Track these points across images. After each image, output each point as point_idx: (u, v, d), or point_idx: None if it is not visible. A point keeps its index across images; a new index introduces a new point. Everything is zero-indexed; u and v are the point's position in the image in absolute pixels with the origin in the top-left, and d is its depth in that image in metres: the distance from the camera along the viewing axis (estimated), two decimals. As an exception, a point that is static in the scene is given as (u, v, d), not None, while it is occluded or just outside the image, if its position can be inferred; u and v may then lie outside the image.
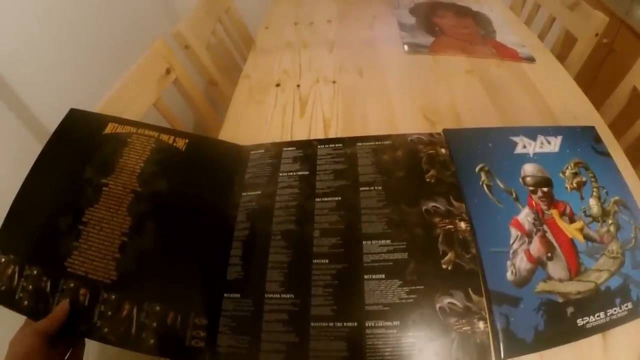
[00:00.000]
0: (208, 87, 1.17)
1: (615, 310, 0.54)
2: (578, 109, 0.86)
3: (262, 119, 0.88)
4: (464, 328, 0.50)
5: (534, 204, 0.64)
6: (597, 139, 0.77)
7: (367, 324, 0.51)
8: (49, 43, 0.94)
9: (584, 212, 0.64)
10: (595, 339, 0.52)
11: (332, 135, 0.81)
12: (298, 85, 0.97)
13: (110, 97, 0.77)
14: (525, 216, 0.62)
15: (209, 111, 1.08)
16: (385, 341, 0.50)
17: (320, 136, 0.81)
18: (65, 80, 0.97)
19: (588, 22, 1.06)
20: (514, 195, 0.64)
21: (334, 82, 0.96)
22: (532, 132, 0.75)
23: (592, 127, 0.79)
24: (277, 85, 0.98)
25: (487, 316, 0.52)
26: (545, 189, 0.66)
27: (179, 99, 1.03)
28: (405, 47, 1.06)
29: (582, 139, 0.76)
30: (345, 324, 0.52)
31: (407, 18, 1.20)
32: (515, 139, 0.74)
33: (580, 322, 0.52)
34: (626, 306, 0.54)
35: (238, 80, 1.04)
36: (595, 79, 1.37)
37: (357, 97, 0.91)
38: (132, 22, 1.27)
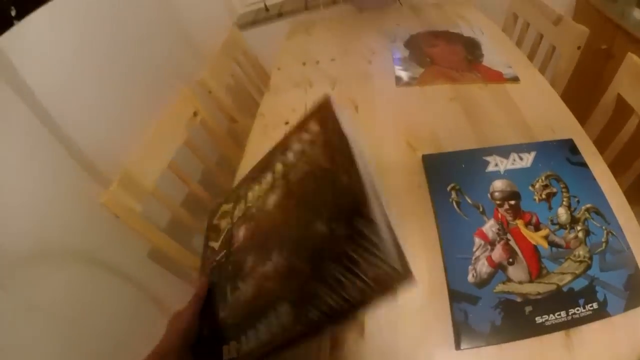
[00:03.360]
0: (229, 125, 1.33)
1: (578, 310, 0.58)
2: (558, 122, 0.91)
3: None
4: None
5: (500, 216, 0.70)
6: (574, 151, 0.82)
7: None
8: (89, 80, 1.10)
9: (551, 220, 0.70)
10: (557, 335, 0.57)
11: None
12: (304, 123, 1.08)
13: (148, 139, 0.94)
14: (489, 227, 0.69)
15: (231, 146, 1.23)
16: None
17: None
18: (104, 113, 1.12)
19: (570, 36, 1.12)
20: (481, 209, 0.71)
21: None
22: (505, 151, 0.82)
23: (570, 140, 0.85)
24: (286, 123, 1.10)
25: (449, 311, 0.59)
26: (512, 202, 0.72)
27: (206, 137, 1.18)
28: (396, 81, 1.15)
29: (557, 152, 0.82)
30: None
31: (402, 51, 1.30)
32: (488, 158, 0.81)
33: (539, 319, 0.57)
34: (591, 306, 0.59)
35: (255, 116, 1.17)
36: (596, 86, 1.39)
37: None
38: (162, 60, 1.46)
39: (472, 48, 1.23)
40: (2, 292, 0.74)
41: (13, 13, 0.96)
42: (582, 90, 1.03)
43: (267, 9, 1.88)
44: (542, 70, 1.22)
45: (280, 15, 1.84)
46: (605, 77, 1.44)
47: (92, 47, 1.17)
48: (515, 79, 1.07)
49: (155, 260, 1.13)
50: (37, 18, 1.00)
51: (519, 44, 1.37)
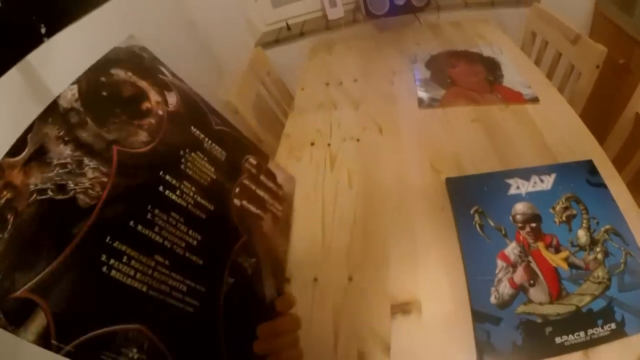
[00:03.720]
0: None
1: (596, 330, 0.61)
2: (577, 143, 0.94)
3: (301, 173, 1.05)
4: None
5: (521, 239, 0.74)
6: (593, 171, 0.86)
7: None
8: None
9: (571, 242, 0.73)
10: (576, 355, 0.60)
11: (354, 186, 0.96)
12: (329, 144, 1.14)
13: None
14: (511, 249, 0.73)
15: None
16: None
17: (345, 187, 0.97)
18: None
19: (589, 55, 1.15)
20: (503, 232, 0.76)
21: (358, 140, 1.12)
22: (526, 173, 0.86)
23: (589, 161, 0.88)
24: (312, 144, 1.16)
25: (472, 331, 0.63)
26: (533, 225, 0.76)
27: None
28: (418, 102, 1.20)
29: (577, 174, 0.86)
30: None
31: (423, 72, 1.35)
32: (510, 181, 0.85)
33: (558, 339, 0.61)
34: (609, 326, 0.62)
35: (281, 136, 1.23)
36: (615, 100, 1.41)
37: (376, 152, 1.06)
38: (187, 79, 1.54)
39: (492, 68, 1.27)
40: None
41: (43, 30, 1.01)
42: (600, 105, 1.05)
43: (289, 28, 1.95)
44: (561, 88, 1.25)
45: (302, 34, 1.91)
46: (623, 92, 1.45)
47: None
48: (535, 100, 1.11)
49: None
50: (66, 35, 1.06)
51: (537, 62, 1.40)
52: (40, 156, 0.32)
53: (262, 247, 0.45)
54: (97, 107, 0.37)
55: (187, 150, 0.41)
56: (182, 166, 0.40)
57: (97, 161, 0.34)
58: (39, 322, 0.27)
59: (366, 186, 0.96)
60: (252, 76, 1.56)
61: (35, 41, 0.99)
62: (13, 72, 0.91)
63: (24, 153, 0.31)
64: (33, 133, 0.32)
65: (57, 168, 0.32)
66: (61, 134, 0.33)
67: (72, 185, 0.32)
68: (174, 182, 0.39)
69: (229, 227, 0.42)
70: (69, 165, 0.33)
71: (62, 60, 1.05)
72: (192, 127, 0.43)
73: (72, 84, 0.36)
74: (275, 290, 0.44)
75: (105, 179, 0.34)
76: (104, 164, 0.34)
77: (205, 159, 0.43)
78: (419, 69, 1.37)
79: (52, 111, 0.34)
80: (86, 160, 0.34)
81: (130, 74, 0.41)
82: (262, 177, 0.49)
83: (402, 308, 0.69)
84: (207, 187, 0.41)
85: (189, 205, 0.39)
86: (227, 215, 0.43)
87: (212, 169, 0.43)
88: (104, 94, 0.38)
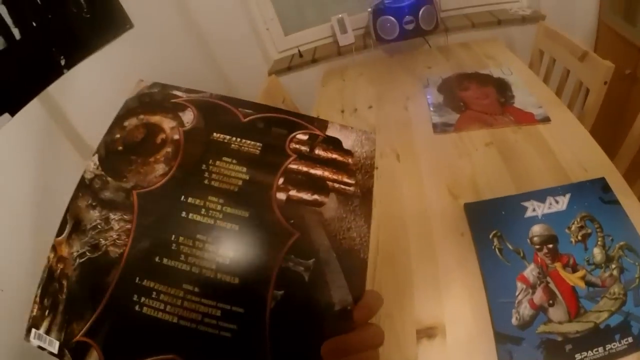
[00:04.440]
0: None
1: (614, 345, 0.66)
2: (589, 161, 0.98)
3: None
4: None
5: (539, 260, 0.79)
6: (606, 189, 0.90)
7: None
8: None
9: (587, 261, 0.78)
10: None
11: (374, 214, 1.02)
12: (349, 174, 1.20)
13: None
14: (530, 271, 0.78)
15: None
16: None
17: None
18: None
19: (596, 72, 1.19)
20: (522, 254, 0.81)
21: (376, 167, 1.18)
22: (542, 195, 0.91)
23: (602, 178, 0.92)
24: (332, 172, 1.22)
25: (495, 352, 0.68)
26: (550, 246, 0.81)
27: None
28: (433, 127, 1.26)
29: (590, 192, 0.90)
30: None
31: (436, 96, 1.41)
32: (526, 203, 0.90)
33: (578, 356, 0.65)
34: (626, 340, 0.66)
35: None
36: (624, 110, 1.44)
37: (395, 179, 1.12)
38: None
39: (503, 89, 1.33)
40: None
41: (63, 62, 1.09)
42: (609, 116, 1.09)
43: (300, 55, 2.04)
44: (571, 105, 1.29)
45: (314, 60, 1.99)
46: (631, 101, 1.49)
47: None
48: (546, 120, 1.16)
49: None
50: (85, 66, 1.14)
51: (546, 80, 1.45)
52: (77, 228, 0.37)
53: (325, 241, 0.37)
54: (114, 164, 0.39)
55: (209, 161, 0.39)
56: (206, 180, 0.38)
57: (120, 212, 0.37)
58: (93, 358, 0.34)
59: (387, 213, 1.02)
60: (268, 104, 1.62)
61: (56, 73, 1.07)
62: (34, 103, 0.98)
63: (66, 230, 0.37)
64: (70, 211, 0.38)
65: (90, 231, 0.37)
66: (89, 202, 0.37)
67: (103, 241, 0.36)
68: (197, 202, 0.37)
69: (273, 229, 0.37)
70: (98, 226, 0.37)
71: (81, 91, 1.13)
72: (215, 134, 0.41)
73: (94, 154, 0.40)
74: (349, 292, 0.35)
75: (129, 226, 0.36)
76: (127, 212, 0.37)
77: (234, 161, 0.39)
78: (431, 93, 1.43)
79: (82, 186, 0.38)
80: (111, 215, 0.37)
81: (142, 116, 0.42)
82: (317, 151, 0.41)
83: (427, 332, 0.74)
84: (239, 192, 0.38)
85: (217, 221, 0.37)
86: (268, 216, 0.37)
87: (244, 169, 0.39)
88: (120, 148, 0.40)
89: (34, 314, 0.35)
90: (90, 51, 1.21)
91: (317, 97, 1.71)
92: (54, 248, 0.37)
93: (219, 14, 1.86)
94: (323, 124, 0.43)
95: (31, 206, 0.94)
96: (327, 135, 0.42)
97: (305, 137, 0.41)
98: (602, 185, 0.91)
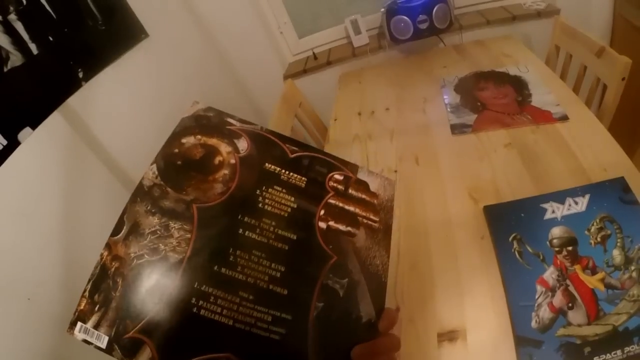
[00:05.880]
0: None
1: (632, 348, 0.67)
2: (609, 160, 0.98)
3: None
4: None
5: (559, 263, 0.81)
6: (626, 189, 0.90)
7: None
8: (153, 134, 1.31)
9: (607, 263, 0.79)
10: None
11: (395, 218, 1.04)
12: (367, 177, 1.22)
13: None
14: (550, 274, 0.79)
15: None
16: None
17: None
18: None
19: (614, 68, 1.18)
20: (541, 257, 0.82)
21: (395, 171, 1.21)
22: (561, 196, 0.92)
23: (621, 178, 0.92)
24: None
25: (515, 356, 0.70)
26: (570, 248, 0.82)
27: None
28: (451, 129, 1.27)
29: (610, 192, 0.90)
30: None
31: (453, 97, 1.42)
32: (545, 205, 0.91)
33: (597, 359, 0.67)
34: (645, 343, 0.68)
35: None
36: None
37: (415, 183, 1.14)
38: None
39: (520, 88, 1.33)
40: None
41: (81, 75, 1.12)
42: (628, 113, 1.07)
43: (315, 57, 2.06)
44: (589, 102, 1.28)
45: (329, 63, 2.01)
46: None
47: (156, 101, 1.36)
48: (564, 118, 1.16)
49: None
50: (102, 77, 1.18)
51: (563, 76, 1.44)
52: (135, 230, 0.40)
53: (356, 265, 0.44)
54: (174, 176, 0.43)
55: (263, 188, 0.44)
56: (260, 204, 0.43)
57: (180, 222, 0.41)
58: (146, 355, 0.37)
59: (407, 218, 1.04)
60: (286, 109, 1.62)
61: (74, 85, 1.10)
62: (56, 116, 1.03)
63: (123, 231, 0.41)
64: (127, 214, 0.42)
65: (149, 236, 0.40)
66: (148, 208, 0.41)
67: (163, 246, 0.40)
68: (252, 221, 0.42)
69: (316, 252, 0.43)
70: (158, 232, 0.40)
71: (100, 101, 1.17)
72: (266, 164, 0.46)
73: (152, 163, 0.44)
74: (374, 308, 0.43)
75: (189, 235, 0.40)
76: (187, 222, 0.41)
77: (284, 190, 0.45)
78: (448, 94, 1.44)
79: (139, 192, 0.43)
80: (171, 224, 0.41)
81: (199, 136, 0.46)
82: (350, 191, 0.48)
83: (449, 336, 0.77)
84: (288, 218, 0.43)
85: (270, 240, 0.42)
86: (312, 240, 0.44)
87: (292, 199, 0.45)
88: (179, 163, 0.44)
89: (82, 307, 0.38)
90: (107, 62, 1.25)
91: (335, 100, 1.72)
92: (109, 246, 0.40)
93: (232, 18, 1.88)
94: (354, 168, 0.51)
95: (57, 218, 0.98)
96: (358, 178, 0.50)
97: (341, 178, 0.49)
98: (622, 185, 0.91)
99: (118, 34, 1.34)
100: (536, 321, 0.74)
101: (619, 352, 0.67)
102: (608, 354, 0.67)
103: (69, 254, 0.96)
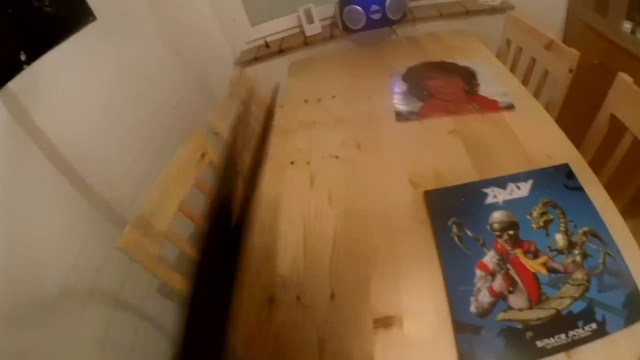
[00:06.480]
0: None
1: (577, 332, 0.62)
2: (554, 148, 0.96)
3: (284, 193, 1.05)
4: None
5: (500, 247, 0.75)
6: (570, 175, 0.87)
7: None
8: (106, 123, 1.20)
9: (549, 247, 0.74)
10: (559, 357, 0.60)
11: (333, 204, 0.97)
12: (308, 162, 1.14)
13: (163, 178, 1.03)
14: (490, 258, 0.74)
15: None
16: None
17: (325, 205, 0.97)
18: (125, 157, 1.24)
19: (562, 60, 1.18)
20: (481, 242, 0.77)
21: (336, 157, 1.13)
22: (503, 182, 0.88)
23: (566, 165, 0.90)
24: (292, 163, 1.16)
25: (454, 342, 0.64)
26: (510, 232, 0.77)
27: (215, 177, 1.24)
28: (396, 116, 1.22)
29: (554, 178, 0.87)
30: None
31: (401, 85, 1.37)
32: (487, 190, 0.86)
33: (539, 343, 0.62)
34: (589, 327, 0.63)
35: (261, 152, 1.22)
36: (592, 100, 1.42)
37: (355, 169, 1.07)
38: (180, 109, 1.60)
39: (468, 78, 1.30)
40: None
41: (23, 57, 1.02)
42: (577, 106, 1.07)
43: (267, 45, 1.98)
44: (537, 94, 1.27)
45: (280, 51, 1.94)
46: (599, 92, 1.48)
47: (107, 89, 1.27)
48: (510, 107, 1.13)
49: (165, 296, 1.25)
50: (47, 61, 1.08)
51: (512, 69, 1.43)
52: None
53: None
54: None
55: None
56: None
57: None
58: None
59: (346, 203, 0.97)
60: (233, 96, 1.56)
61: (16, 68, 1.00)
62: None
63: None
64: None
65: None
66: None
67: None
68: None
69: None
70: None
71: (43, 86, 1.06)
72: None
73: None
74: None
75: None
76: None
77: None
78: (396, 83, 1.39)
79: None
80: None
81: None
82: None
83: (385, 322, 0.70)
84: None
85: None
86: None
87: None
88: None
89: None
90: (51, 44, 1.14)
91: (283, 88, 1.66)
92: None
93: (185, 4, 1.81)
94: None
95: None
96: None
97: None
98: (566, 171, 0.88)
99: (64, 16, 1.23)
100: (475, 306, 0.68)
101: (563, 336, 0.63)
102: (552, 338, 0.62)
103: (6, 249, 0.86)
